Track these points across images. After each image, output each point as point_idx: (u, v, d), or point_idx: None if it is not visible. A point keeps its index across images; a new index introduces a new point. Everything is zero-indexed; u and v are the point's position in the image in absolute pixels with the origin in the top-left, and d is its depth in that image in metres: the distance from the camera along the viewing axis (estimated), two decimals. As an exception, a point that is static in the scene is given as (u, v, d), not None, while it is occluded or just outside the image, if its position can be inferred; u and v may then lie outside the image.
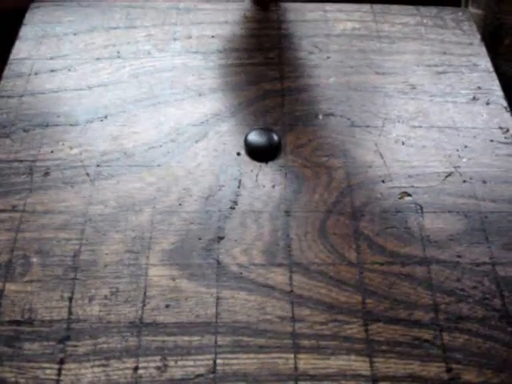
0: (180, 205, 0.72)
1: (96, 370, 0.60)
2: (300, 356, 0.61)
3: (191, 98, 0.83)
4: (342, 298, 0.65)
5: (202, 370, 0.60)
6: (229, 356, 0.61)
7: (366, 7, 0.97)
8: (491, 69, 0.89)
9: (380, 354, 0.61)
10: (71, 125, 0.79)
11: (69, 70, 0.86)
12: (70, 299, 0.64)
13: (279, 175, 0.75)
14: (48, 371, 0.60)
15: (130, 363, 0.60)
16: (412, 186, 0.74)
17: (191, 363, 0.60)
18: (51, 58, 0.87)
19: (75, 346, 0.61)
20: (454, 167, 0.76)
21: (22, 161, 0.75)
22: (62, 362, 0.60)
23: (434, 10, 0.97)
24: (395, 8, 0.97)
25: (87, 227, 0.69)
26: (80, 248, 0.68)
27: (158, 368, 0.60)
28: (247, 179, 0.74)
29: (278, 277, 0.66)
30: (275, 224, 0.70)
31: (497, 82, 0.87)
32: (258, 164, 0.76)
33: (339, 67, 0.88)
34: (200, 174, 0.74)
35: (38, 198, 0.72)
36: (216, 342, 0.62)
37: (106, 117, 0.80)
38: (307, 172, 0.75)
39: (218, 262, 0.67)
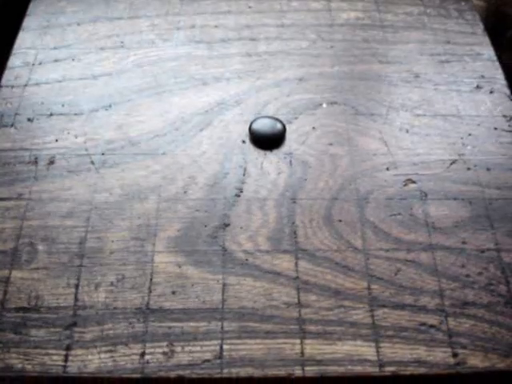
0: (185, 192, 0.72)
1: (103, 355, 0.60)
2: (306, 341, 0.61)
3: (195, 87, 0.83)
4: (347, 284, 0.65)
5: (208, 356, 0.60)
6: (235, 342, 0.61)
7: (369, -3, 0.97)
8: (494, 58, 0.89)
9: (386, 339, 0.61)
10: (76, 114, 0.79)
11: (73, 59, 0.86)
12: (77, 286, 0.64)
13: (284, 163, 0.75)
14: (55, 357, 0.60)
15: (136, 349, 0.60)
16: (416, 174, 0.74)
17: (198, 349, 0.60)
18: (55, 48, 0.88)
19: (82, 332, 0.61)
20: (459, 155, 0.76)
21: (27, 149, 0.75)
22: (68, 348, 0.60)
23: (436, 0, 0.97)
24: (398, -3, 0.97)
25: (93, 215, 0.69)
26: (86, 235, 0.68)
27: (164, 354, 0.60)
28: (252, 167, 0.74)
29: (284, 263, 0.66)
30: (280, 211, 0.70)
31: (500, 71, 0.87)
32: (262, 152, 0.76)
33: (343, 56, 0.88)
34: (205, 162, 0.75)
35: (43, 186, 0.72)
36: (222, 328, 0.62)
37: (110, 106, 0.80)
38: (312, 160, 0.75)
39: (224, 249, 0.67)
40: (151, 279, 0.65)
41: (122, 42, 0.89)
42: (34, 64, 0.85)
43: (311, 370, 0.59)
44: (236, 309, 0.63)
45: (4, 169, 0.73)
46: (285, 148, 0.76)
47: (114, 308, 0.63)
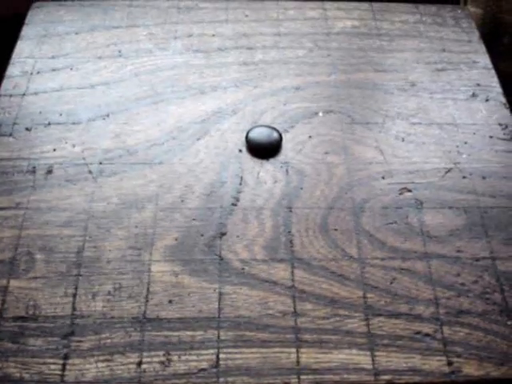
0: (182, 201, 0.72)
1: (100, 364, 0.60)
2: (302, 350, 0.61)
3: (192, 95, 0.84)
4: (343, 293, 0.65)
5: (205, 365, 0.60)
6: (232, 350, 0.61)
7: (365, 5, 0.98)
8: (490, 66, 0.89)
9: (381, 347, 0.62)
10: (73, 123, 0.80)
11: (71, 68, 0.87)
12: (74, 295, 0.65)
13: (280, 172, 0.75)
14: (52, 366, 0.60)
15: (133, 358, 0.61)
16: (412, 182, 0.75)
17: (194, 358, 0.61)
18: (53, 57, 0.88)
19: (79, 341, 0.62)
20: (454, 163, 0.77)
21: (25, 159, 0.76)
22: (66, 357, 0.61)
23: (433, 8, 0.98)
24: (394, 6, 0.98)
25: (90, 224, 0.70)
26: (83, 244, 0.68)
27: (161, 363, 0.60)
28: (249, 176, 0.75)
29: (280, 272, 0.67)
30: (277, 220, 0.71)
31: (496, 79, 0.88)
32: (259, 161, 0.76)
33: (339, 65, 0.88)
34: (202, 171, 0.75)
35: (41, 195, 0.72)
36: (219, 337, 0.62)
37: (108, 115, 0.81)
38: (308, 168, 0.76)
39: (221, 258, 0.68)
40: (148, 288, 0.65)
41: (119, 51, 0.89)
42: (32, 73, 0.86)
43: (307, 379, 0.60)
44: (232, 318, 0.63)
45: (2, 178, 0.74)
46: (281, 157, 0.77)
47: (111, 317, 0.63)
